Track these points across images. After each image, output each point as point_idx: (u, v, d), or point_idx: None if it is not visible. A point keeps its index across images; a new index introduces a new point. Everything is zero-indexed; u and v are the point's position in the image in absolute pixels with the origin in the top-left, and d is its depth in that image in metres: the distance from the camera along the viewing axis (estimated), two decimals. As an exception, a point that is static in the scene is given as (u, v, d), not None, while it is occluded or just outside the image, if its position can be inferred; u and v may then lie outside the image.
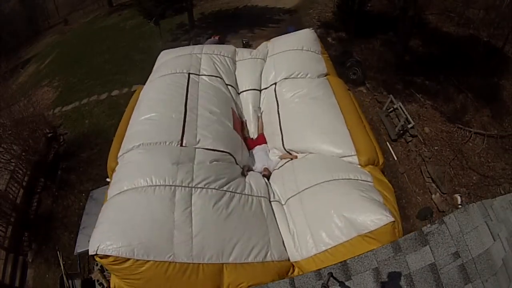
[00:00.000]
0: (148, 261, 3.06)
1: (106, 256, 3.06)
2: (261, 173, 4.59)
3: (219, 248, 3.26)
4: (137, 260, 3.05)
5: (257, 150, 4.98)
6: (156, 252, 3.10)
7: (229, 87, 5.41)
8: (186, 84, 5.00)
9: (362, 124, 4.58)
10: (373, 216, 3.20)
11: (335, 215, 3.38)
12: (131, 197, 3.50)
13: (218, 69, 5.54)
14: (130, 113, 4.94)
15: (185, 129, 4.32)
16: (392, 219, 3.15)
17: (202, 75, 5.31)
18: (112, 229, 3.23)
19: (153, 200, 3.43)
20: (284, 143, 4.65)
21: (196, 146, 4.19)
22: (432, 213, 8.94)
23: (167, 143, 4.16)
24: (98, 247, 3.05)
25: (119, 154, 4.25)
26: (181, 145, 4.16)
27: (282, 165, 4.52)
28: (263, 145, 5.05)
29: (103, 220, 3.39)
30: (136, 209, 3.39)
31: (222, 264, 3.22)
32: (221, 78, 5.41)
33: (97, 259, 3.17)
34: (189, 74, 5.21)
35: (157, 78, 5.33)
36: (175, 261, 3.11)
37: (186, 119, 4.45)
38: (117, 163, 4.19)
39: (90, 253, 3.11)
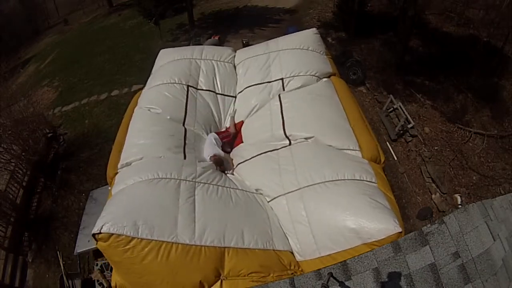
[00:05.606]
0: (152, 240, 3.11)
1: (109, 236, 3.07)
2: (210, 160, 4.48)
3: (221, 232, 3.33)
4: (141, 240, 3.09)
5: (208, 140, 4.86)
6: (159, 232, 3.17)
7: (226, 99, 5.42)
8: (185, 101, 5.06)
9: (364, 122, 4.58)
10: (380, 225, 3.13)
11: (341, 221, 3.29)
12: (137, 186, 3.68)
13: (218, 79, 5.52)
14: (128, 120, 4.94)
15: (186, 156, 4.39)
16: (400, 229, 3.06)
17: (200, 89, 5.33)
18: (118, 211, 3.35)
19: (159, 189, 3.60)
20: (286, 128, 4.50)
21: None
22: (432, 213, 8.97)
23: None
24: (102, 226, 3.10)
25: (119, 164, 4.28)
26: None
27: (277, 149, 4.34)
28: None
29: (109, 206, 3.51)
30: (142, 195, 3.56)
31: (224, 248, 3.25)
32: (219, 93, 5.43)
33: (99, 245, 3.17)
34: (188, 86, 5.22)
35: (155, 86, 5.29)
36: (178, 242, 3.17)
37: (186, 142, 4.56)
38: (116, 172, 4.24)
39: (94, 232, 3.11)
